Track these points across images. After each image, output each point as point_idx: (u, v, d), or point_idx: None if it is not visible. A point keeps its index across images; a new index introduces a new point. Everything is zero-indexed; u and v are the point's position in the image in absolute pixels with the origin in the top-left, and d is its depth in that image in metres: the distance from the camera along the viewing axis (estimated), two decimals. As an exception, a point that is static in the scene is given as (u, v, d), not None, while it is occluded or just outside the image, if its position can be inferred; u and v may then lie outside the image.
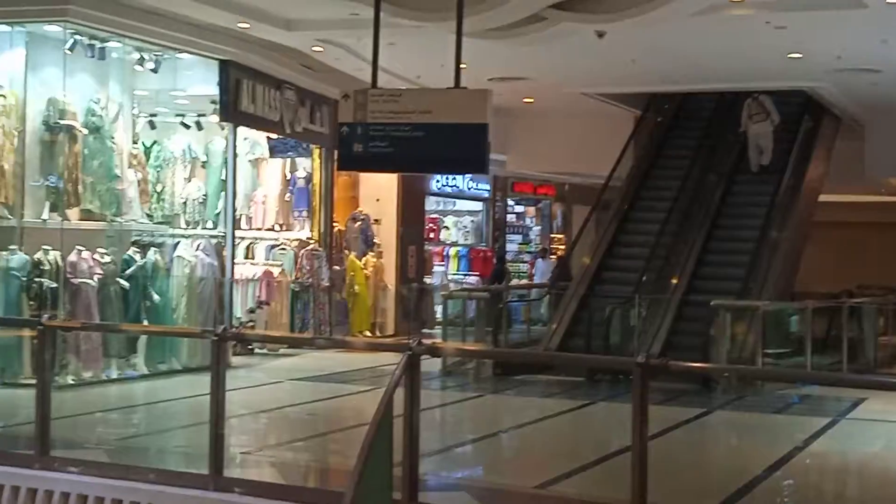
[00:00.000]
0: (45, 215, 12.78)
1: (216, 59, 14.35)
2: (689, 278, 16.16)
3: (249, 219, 16.87)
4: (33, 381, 8.83)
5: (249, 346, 15.38)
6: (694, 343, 14.72)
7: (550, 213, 28.62)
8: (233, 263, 15.05)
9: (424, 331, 18.13)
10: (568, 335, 15.79)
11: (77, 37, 12.73)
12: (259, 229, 17.01)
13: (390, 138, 10.74)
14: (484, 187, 25.08)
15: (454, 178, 23.77)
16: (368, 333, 18.68)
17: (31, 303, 12.24)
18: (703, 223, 17.09)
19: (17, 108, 12.65)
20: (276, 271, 16.47)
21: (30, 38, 12.74)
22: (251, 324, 15.87)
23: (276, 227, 17.15)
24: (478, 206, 25.74)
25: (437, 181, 23.31)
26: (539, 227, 28.40)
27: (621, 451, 7.63)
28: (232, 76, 14.55)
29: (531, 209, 28.45)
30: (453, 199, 25.28)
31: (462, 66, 10.69)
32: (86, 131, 13.09)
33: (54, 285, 12.32)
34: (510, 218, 27.23)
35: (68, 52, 12.75)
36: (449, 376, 14.42)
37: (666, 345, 14.89)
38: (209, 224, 15.33)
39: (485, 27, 11.93)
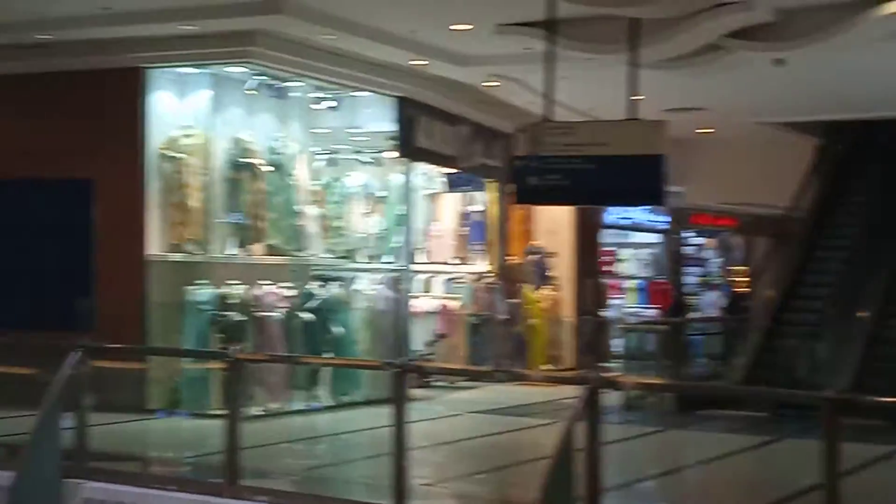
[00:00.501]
0: (231, 250, 13.16)
1: (392, 96, 14.59)
2: (879, 310, 15.62)
3: (427, 252, 17.04)
4: (222, 412, 9.06)
5: (428, 379, 15.49)
6: (886, 377, 14.20)
7: (730, 245, 28.08)
8: (411, 297, 15.21)
9: (602, 364, 17.95)
10: (752, 368, 15.43)
11: (259, 77, 13.13)
12: (436, 263, 17.16)
13: (565, 171, 10.73)
14: (661, 219, 24.78)
15: (630, 211, 23.57)
16: (546, 367, 18.59)
17: (219, 335, 12.60)
18: (893, 252, 16.53)
19: (205, 147, 13.09)
20: (453, 304, 16.59)
21: (215, 80, 13.18)
22: (430, 356, 16.00)
23: (453, 261, 17.28)
24: (655, 238, 25.45)
25: (614, 213, 23.13)
26: (719, 260, 27.89)
27: (810, 490, 7.39)
28: (408, 112, 14.76)
29: (710, 241, 27.98)
30: (630, 232, 25.06)
31: (637, 97, 10.62)
32: (269, 169, 13.46)
33: (240, 318, 12.67)
34: (689, 250, 26.82)
35: (251, 92, 13.15)
36: (629, 410, 14.22)
37: (855, 379, 14.41)
38: (388, 258, 15.56)
39: (659, 58, 11.83)
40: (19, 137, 13.54)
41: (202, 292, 12.68)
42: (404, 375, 8.01)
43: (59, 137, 13.35)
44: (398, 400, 7.83)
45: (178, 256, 12.94)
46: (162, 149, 12.99)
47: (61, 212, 13.42)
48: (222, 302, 12.68)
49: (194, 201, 13.01)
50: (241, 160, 13.24)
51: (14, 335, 12.05)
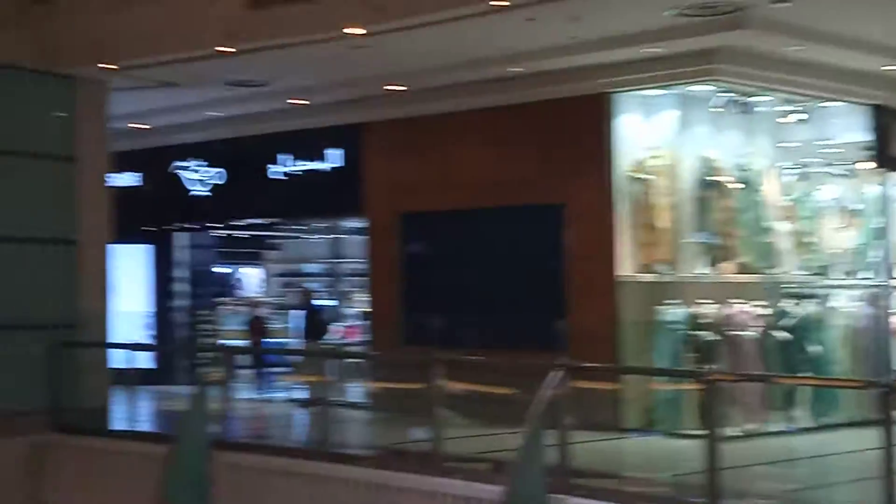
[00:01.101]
0: (701, 269, 13.10)
1: (866, 104, 13.96)
2: None
3: (908, 267, 16.11)
4: (695, 432, 9.00)
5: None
6: None
7: None
8: (893, 314, 14.44)
9: None
10: None
11: (725, 94, 13.02)
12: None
13: None
14: None
15: None
16: None
17: (692, 355, 12.57)
18: None
19: (672, 167, 13.15)
20: (940, 321, 15.57)
21: (680, 100, 13.23)
22: (914, 376, 15.12)
23: (939, 275, 16.23)
24: None
25: None
26: None
27: None
28: (884, 120, 14.06)
29: None
30: None
31: None
32: (737, 186, 13.30)
33: (713, 338, 12.57)
34: None
35: (717, 109, 13.06)
36: None
37: None
38: (865, 274, 14.87)
39: None
40: (493, 168, 14.26)
41: (673, 312, 12.73)
42: (891, 395, 7.59)
43: (530, 165, 13.92)
44: (885, 421, 7.43)
45: (648, 277, 13.07)
46: (630, 171, 13.17)
47: (535, 237, 13.94)
48: (694, 321, 12.66)
49: (663, 221, 13.10)
50: (709, 178, 13.21)
51: (493, 356, 12.65)
